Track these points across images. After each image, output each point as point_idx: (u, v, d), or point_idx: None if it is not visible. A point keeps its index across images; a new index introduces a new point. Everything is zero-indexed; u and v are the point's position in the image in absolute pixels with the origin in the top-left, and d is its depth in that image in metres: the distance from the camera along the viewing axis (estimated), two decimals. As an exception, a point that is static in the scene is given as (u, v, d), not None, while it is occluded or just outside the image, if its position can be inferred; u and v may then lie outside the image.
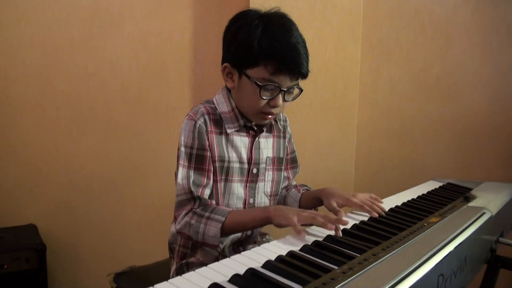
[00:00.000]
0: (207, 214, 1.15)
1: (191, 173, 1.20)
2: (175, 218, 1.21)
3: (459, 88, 2.32)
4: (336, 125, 2.30)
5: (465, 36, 2.30)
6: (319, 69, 2.33)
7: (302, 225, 1.03)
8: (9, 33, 2.15)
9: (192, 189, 1.18)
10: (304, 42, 1.19)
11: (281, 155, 1.41)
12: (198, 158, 1.21)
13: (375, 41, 2.41)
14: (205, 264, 0.80)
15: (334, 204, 1.23)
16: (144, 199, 2.46)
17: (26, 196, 2.27)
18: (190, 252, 1.31)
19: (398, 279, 0.70)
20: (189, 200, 1.19)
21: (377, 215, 1.14)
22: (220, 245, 1.19)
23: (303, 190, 1.46)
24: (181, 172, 1.20)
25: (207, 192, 1.22)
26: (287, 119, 1.48)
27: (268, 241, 1.39)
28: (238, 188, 1.29)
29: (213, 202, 1.24)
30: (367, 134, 2.45)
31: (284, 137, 1.44)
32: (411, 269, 0.74)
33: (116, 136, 2.39)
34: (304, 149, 2.28)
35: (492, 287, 1.28)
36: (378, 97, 2.45)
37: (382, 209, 1.18)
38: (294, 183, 1.55)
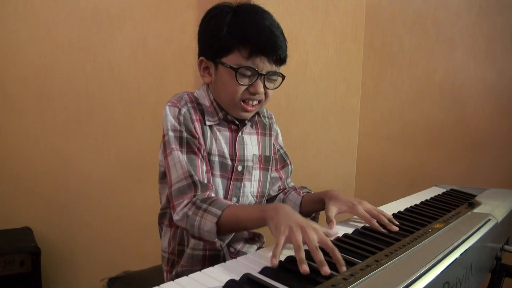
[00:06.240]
0: (204, 206, 1.04)
1: (185, 157, 1.11)
2: (174, 208, 1.09)
3: (462, 93, 2.30)
4: (337, 129, 2.27)
5: (469, 41, 2.28)
6: (321, 72, 2.30)
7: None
8: (7, 33, 2.13)
9: (192, 172, 1.09)
10: (279, 26, 1.14)
11: (268, 154, 1.32)
12: (189, 141, 1.12)
13: (378, 45, 2.39)
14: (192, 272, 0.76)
15: (333, 212, 1.12)
16: (142, 202, 2.42)
17: (21, 198, 2.24)
18: (177, 258, 1.22)
19: (403, 286, 0.66)
20: (189, 186, 1.08)
21: (381, 229, 1.04)
22: (220, 243, 1.07)
23: (303, 193, 1.34)
24: (177, 155, 1.10)
25: (206, 177, 1.13)
26: (273, 116, 1.40)
27: (260, 242, 1.33)
28: (219, 184, 1.18)
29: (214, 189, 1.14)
30: (369, 138, 2.42)
31: (270, 135, 1.35)
32: (416, 275, 0.70)
33: (114, 138, 2.36)
34: (306, 153, 2.25)
35: (497, 297, 1.24)
36: (380, 102, 2.42)
37: (388, 222, 1.06)
38: (292, 184, 1.44)
